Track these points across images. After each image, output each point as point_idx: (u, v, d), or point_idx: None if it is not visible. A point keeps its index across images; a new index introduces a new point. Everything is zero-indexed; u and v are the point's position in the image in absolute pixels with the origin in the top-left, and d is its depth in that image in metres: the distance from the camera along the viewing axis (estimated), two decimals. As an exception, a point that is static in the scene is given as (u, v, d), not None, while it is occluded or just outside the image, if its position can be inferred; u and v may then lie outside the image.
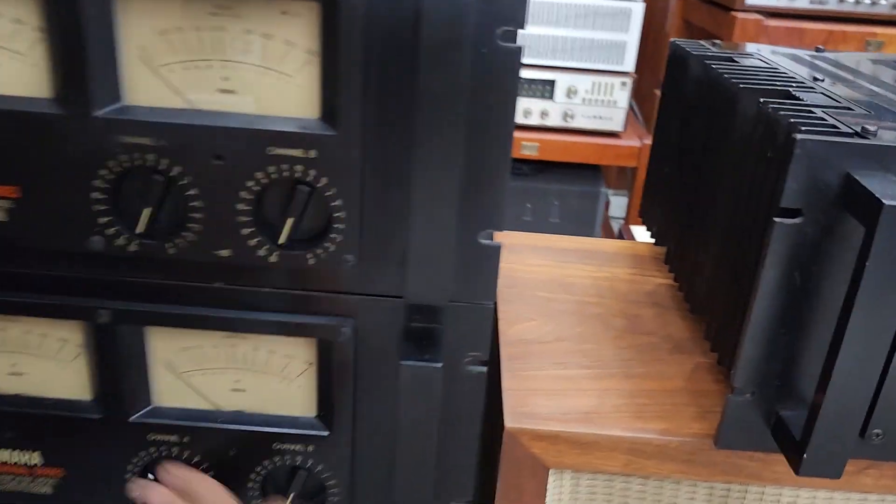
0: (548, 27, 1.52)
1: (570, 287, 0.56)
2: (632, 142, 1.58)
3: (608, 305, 0.54)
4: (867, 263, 0.30)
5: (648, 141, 1.63)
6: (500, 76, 0.33)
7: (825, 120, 0.36)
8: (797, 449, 0.35)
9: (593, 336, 0.50)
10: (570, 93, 1.52)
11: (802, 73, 0.49)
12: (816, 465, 0.34)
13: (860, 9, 1.49)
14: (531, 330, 0.50)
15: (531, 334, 0.49)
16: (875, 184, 0.31)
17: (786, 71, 0.49)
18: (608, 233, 1.92)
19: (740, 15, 1.47)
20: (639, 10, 1.51)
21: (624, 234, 1.23)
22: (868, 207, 0.30)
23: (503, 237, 0.37)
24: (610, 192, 1.89)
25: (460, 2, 0.29)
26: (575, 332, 0.50)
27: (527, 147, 1.56)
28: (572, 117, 1.53)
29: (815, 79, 0.47)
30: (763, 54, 0.54)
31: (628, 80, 1.53)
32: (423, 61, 0.31)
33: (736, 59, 0.52)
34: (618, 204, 2.07)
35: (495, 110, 0.33)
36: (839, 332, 0.32)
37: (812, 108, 0.38)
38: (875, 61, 0.58)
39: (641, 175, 1.66)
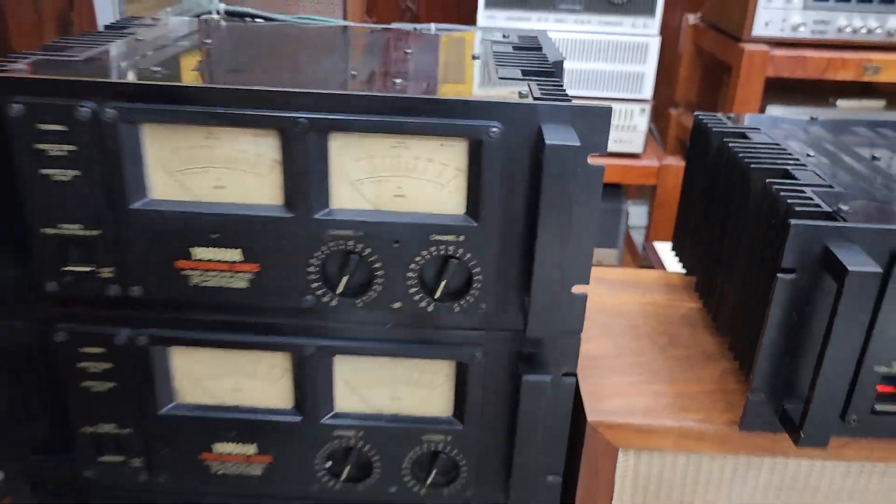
0: (577, 62, 1.68)
1: (622, 312, 0.72)
2: (651, 162, 1.74)
3: (653, 326, 0.70)
4: (839, 308, 0.46)
5: (666, 161, 1.79)
6: (591, 185, 0.49)
7: (812, 200, 0.52)
8: (796, 430, 0.51)
9: (644, 350, 0.66)
10: (595, 120, 1.68)
11: (796, 147, 0.65)
12: (810, 440, 0.50)
13: (857, 37, 1.64)
14: (598, 347, 0.66)
15: (598, 351, 0.65)
16: (844, 254, 0.47)
17: (785, 147, 0.64)
18: (630, 242, 2.07)
19: (748, 46, 1.63)
20: (655, 44, 1.66)
21: (647, 249, 1.38)
22: (839, 271, 0.46)
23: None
24: (629, 202, 2.04)
25: (571, 146, 0.45)
26: (630, 348, 0.66)
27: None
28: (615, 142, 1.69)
29: (808, 154, 0.63)
30: (765, 129, 0.70)
31: (647, 107, 1.69)
32: (545, 179, 0.46)
33: (748, 135, 0.68)
34: (637, 213, 2.22)
35: (585, 206, 0.49)
36: (822, 352, 0.48)
37: (804, 189, 0.54)
38: (858, 124, 0.74)
39: (659, 190, 1.82)
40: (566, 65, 1.67)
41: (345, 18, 1.64)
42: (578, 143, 0.46)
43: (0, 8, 0.89)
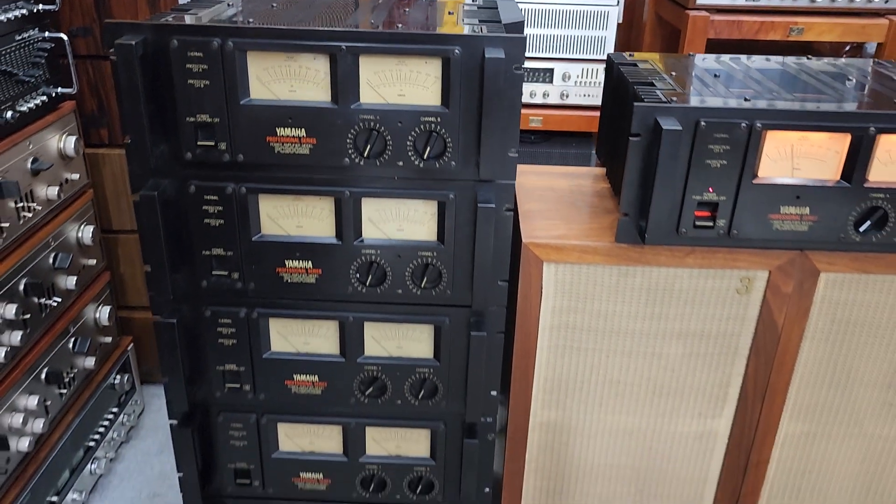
0: (547, 29, 1.99)
1: (555, 189, 1.05)
2: (614, 113, 2.06)
3: (575, 197, 1.03)
4: (660, 154, 0.79)
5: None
6: (514, 83, 0.81)
7: (655, 95, 0.85)
8: (644, 236, 0.84)
9: (565, 208, 0.99)
10: (565, 77, 2.00)
11: (675, 73, 0.97)
12: (652, 240, 0.83)
13: (785, 3, 1.94)
14: (534, 207, 0.99)
15: (534, 208, 0.98)
16: (664, 122, 0.79)
17: (659, 71, 0.97)
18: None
19: (692, 12, 1.94)
20: (614, 12, 1.98)
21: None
22: (659, 131, 0.79)
23: (523, 167, 0.86)
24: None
25: (499, 59, 0.78)
26: (555, 207, 0.99)
27: (533, 120, 2.04)
28: (567, 96, 2.01)
29: (672, 73, 0.95)
30: (699, 61, 1.02)
31: (609, 66, 2.00)
32: (486, 78, 0.79)
33: (638, 65, 1.00)
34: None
35: (512, 95, 0.82)
36: (658, 185, 0.81)
37: (655, 91, 0.87)
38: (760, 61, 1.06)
39: (625, 139, 2.13)
40: (538, 31, 2.00)
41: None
42: (503, 56, 0.78)
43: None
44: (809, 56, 1.09)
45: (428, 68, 0.82)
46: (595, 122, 2.06)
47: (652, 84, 0.91)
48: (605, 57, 2.00)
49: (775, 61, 1.06)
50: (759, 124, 0.81)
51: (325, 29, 0.81)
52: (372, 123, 0.83)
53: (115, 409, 1.36)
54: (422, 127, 0.83)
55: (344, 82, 0.82)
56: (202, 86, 0.82)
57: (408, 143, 0.84)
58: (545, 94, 2.04)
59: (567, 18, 1.99)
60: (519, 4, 1.95)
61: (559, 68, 2.01)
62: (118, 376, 1.36)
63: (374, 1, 1.06)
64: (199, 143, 0.84)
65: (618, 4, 1.99)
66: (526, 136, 2.13)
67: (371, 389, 0.98)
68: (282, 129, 0.84)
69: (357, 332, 0.95)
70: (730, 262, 0.90)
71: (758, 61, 1.06)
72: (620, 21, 2.33)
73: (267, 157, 0.85)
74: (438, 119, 0.83)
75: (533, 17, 1.99)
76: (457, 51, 0.80)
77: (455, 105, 0.82)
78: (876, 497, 1.05)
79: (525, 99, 2.07)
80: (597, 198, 1.03)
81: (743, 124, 0.81)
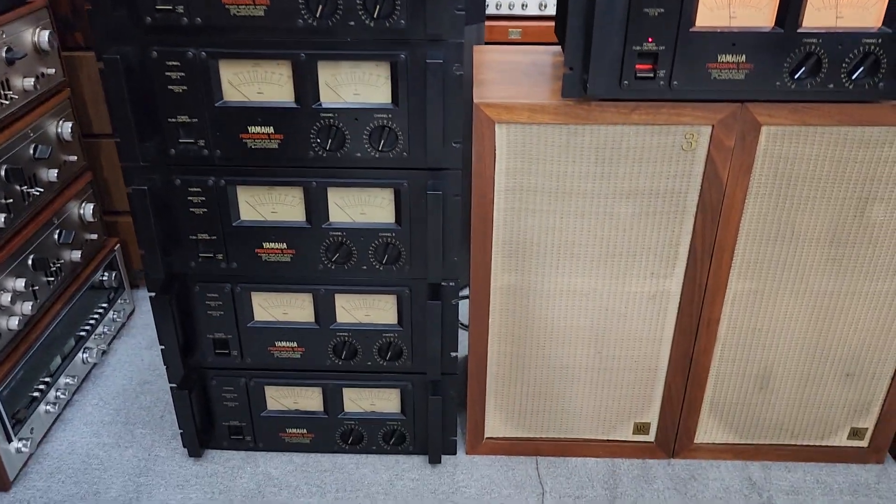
0: None
1: (514, 63, 1.08)
2: (593, 24, 2.07)
3: (529, 68, 1.06)
4: (597, 4, 0.82)
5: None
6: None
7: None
8: (587, 89, 0.87)
9: (518, 78, 1.02)
10: (543, -12, 2.00)
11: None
12: (594, 92, 0.87)
13: None
14: (491, 78, 1.02)
15: (490, 78, 1.02)
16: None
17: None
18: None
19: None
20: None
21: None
22: (595, -23, 0.82)
23: (488, 47, 0.89)
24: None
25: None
26: (510, 76, 1.02)
27: (512, 33, 2.05)
28: (546, 7, 2.02)
29: None
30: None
31: None
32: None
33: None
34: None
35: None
36: (596, 35, 0.84)
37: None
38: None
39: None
40: None
41: None
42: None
43: None
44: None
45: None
46: (573, 33, 2.07)
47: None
48: None
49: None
50: (694, -30, 0.83)
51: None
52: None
53: (104, 305, 1.42)
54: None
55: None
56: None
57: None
58: (523, 6, 2.05)
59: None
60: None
61: (536, -21, 2.01)
62: (105, 273, 1.41)
63: None
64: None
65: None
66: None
67: (337, 255, 1.03)
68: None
69: (321, 199, 1.00)
70: (674, 117, 0.93)
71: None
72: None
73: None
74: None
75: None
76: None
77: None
78: (825, 351, 1.10)
79: (504, 10, 2.08)
80: (552, 69, 1.06)
81: (679, -29, 0.83)
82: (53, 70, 1.25)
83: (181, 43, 0.91)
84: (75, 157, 1.33)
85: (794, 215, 1.00)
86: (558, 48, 1.15)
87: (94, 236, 1.39)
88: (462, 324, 1.37)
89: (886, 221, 1.00)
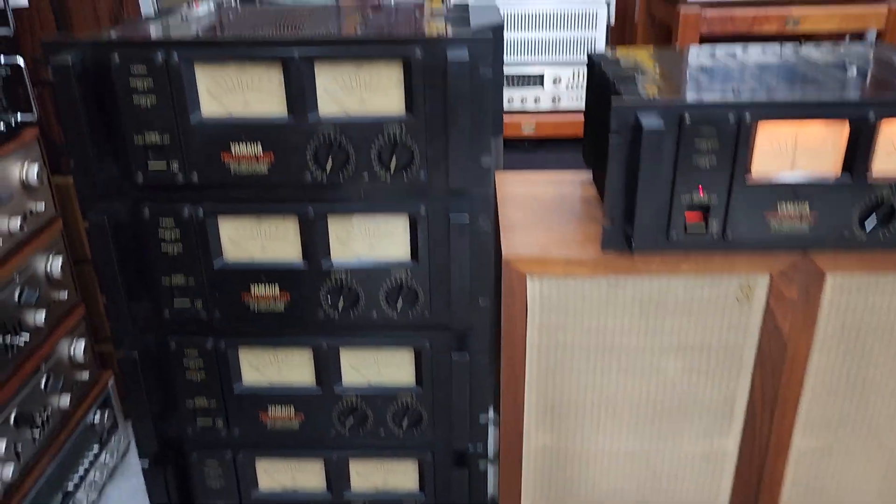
0: (535, 32, 1.94)
1: (539, 197, 0.98)
2: (609, 116, 1.99)
3: (558, 204, 0.96)
4: (642, 154, 0.72)
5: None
6: (483, 86, 0.75)
7: (636, 89, 0.78)
8: (631, 243, 0.77)
9: (548, 217, 0.92)
10: (556, 81, 1.94)
11: (688, 64, 0.91)
12: (640, 247, 0.76)
13: (780, -6, 1.88)
14: (517, 217, 0.92)
15: (516, 219, 0.92)
16: (644, 118, 0.73)
17: (641, 66, 0.91)
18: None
19: (682, 8, 1.88)
20: (603, 11, 1.92)
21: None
22: (640, 129, 0.72)
23: (504, 175, 0.79)
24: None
25: (464, 62, 0.72)
26: (538, 216, 0.93)
27: (526, 127, 1.98)
28: (559, 100, 1.95)
29: (656, 68, 0.89)
30: (687, 54, 0.96)
31: (601, 68, 1.94)
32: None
33: (621, 62, 0.94)
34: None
35: (480, 100, 0.76)
36: (641, 187, 0.74)
37: (635, 87, 0.80)
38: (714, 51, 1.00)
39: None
40: (525, 34, 1.94)
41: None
42: (468, 59, 0.72)
43: (66, 10, 1.18)
44: (801, 41, 1.02)
45: (389, 72, 0.76)
46: (589, 127, 1.99)
47: (633, 80, 0.84)
48: (596, 59, 1.94)
49: (769, 51, 1.00)
50: (748, 116, 0.74)
51: (276, 37, 0.75)
52: (332, 135, 0.77)
53: (95, 449, 1.31)
54: (386, 136, 0.77)
55: (299, 92, 0.76)
56: (149, 103, 0.76)
57: (372, 153, 0.78)
58: (536, 100, 1.98)
59: (555, 20, 1.93)
60: (504, 7, 1.89)
61: (549, 72, 1.96)
62: (98, 413, 1.30)
63: (353, 9, 1.00)
64: (149, 164, 0.79)
65: (607, 4, 1.93)
66: (520, 143, 2.07)
67: (351, 420, 0.92)
68: (236, 145, 0.78)
69: (333, 360, 0.89)
70: (727, 267, 0.83)
71: (750, 52, 0.99)
72: (612, 22, 2.26)
73: (223, 176, 0.80)
74: (403, 127, 0.77)
75: (519, 21, 1.93)
76: (417, 52, 0.74)
77: (420, 111, 0.76)
78: (901, 513, 0.98)
79: (517, 106, 2.01)
80: (583, 205, 0.97)
81: (731, 117, 0.74)
82: (43, 205, 1.17)
83: (176, 200, 0.81)
84: (66, 294, 1.23)
85: (865, 369, 0.89)
86: (583, 175, 1.06)
87: (86, 375, 1.28)
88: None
89: (970, 374, 0.88)
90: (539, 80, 1.95)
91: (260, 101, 0.77)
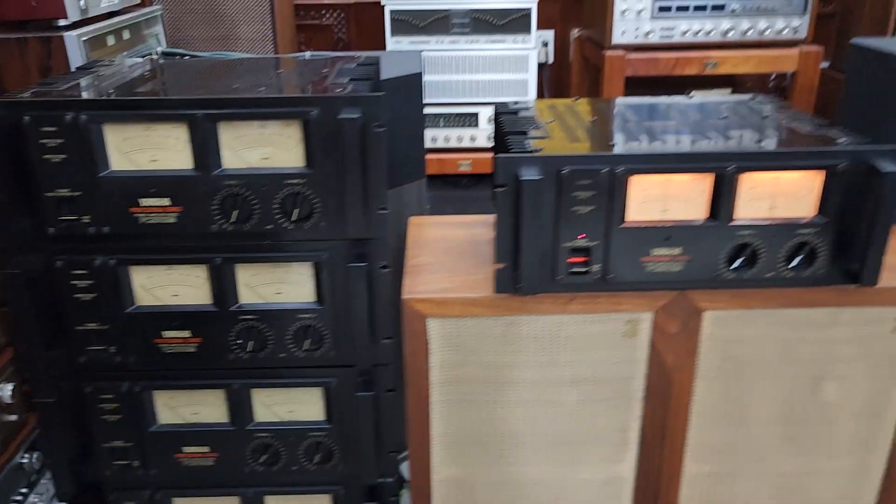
0: (471, 74, 2.02)
1: (448, 239, 1.04)
2: (542, 153, 2.08)
3: (465, 247, 1.02)
4: (523, 204, 0.79)
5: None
6: (377, 142, 0.81)
7: (523, 144, 0.85)
8: (518, 287, 0.83)
9: (452, 260, 0.98)
10: (491, 121, 2.02)
11: (579, 116, 0.98)
12: (526, 290, 0.82)
13: (699, 38, 1.99)
14: (422, 259, 0.98)
15: (421, 262, 0.97)
16: (525, 172, 0.79)
17: (535, 117, 0.97)
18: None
19: (608, 52, 1.98)
20: (534, 55, 2.01)
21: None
22: (520, 182, 0.79)
23: (426, 219, 0.85)
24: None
25: (354, 119, 0.78)
26: (442, 259, 0.98)
27: (462, 164, 2.05)
28: (493, 139, 2.03)
29: (549, 121, 0.96)
30: (584, 105, 1.03)
31: (533, 108, 2.02)
32: (346, 140, 0.79)
33: (519, 112, 1.01)
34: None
35: (375, 154, 0.82)
36: (524, 234, 0.80)
37: (524, 140, 0.87)
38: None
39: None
40: (461, 77, 2.03)
41: (276, 52, 1.96)
42: (358, 116, 0.78)
43: (-5, 61, 1.22)
44: (691, 93, 1.10)
45: (289, 130, 0.82)
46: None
47: (524, 133, 0.91)
48: (528, 98, 2.03)
49: (659, 104, 1.07)
50: (620, 169, 0.81)
51: (181, 98, 0.80)
52: (236, 188, 0.82)
53: (24, 491, 1.31)
54: (288, 189, 0.83)
55: (204, 149, 0.81)
56: (59, 160, 0.81)
57: (275, 205, 0.83)
58: (472, 138, 2.06)
59: (488, 63, 2.01)
60: (441, 52, 1.97)
61: (484, 112, 2.04)
62: (27, 455, 1.31)
63: (252, 63, 1.06)
64: (61, 217, 0.83)
65: (535, 48, 2.02)
66: (457, 181, 2.14)
67: (265, 456, 0.95)
68: (145, 199, 0.83)
69: (245, 399, 0.93)
70: (613, 305, 0.89)
71: (641, 104, 1.07)
72: (552, 61, 2.37)
73: (133, 227, 0.84)
74: (304, 180, 0.82)
75: (456, 64, 2.01)
76: (313, 113, 0.80)
77: (319, 166, 0.82)
78: (789, 533, 1.04)
79: (453, 144, 2.08)
80: (489, 247, 1.02)
81: (604, 170, 0.81)
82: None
83: (88, 251, 0.85)
84: (-7, 337, 1.25)
85: (746, 396, 0.95)
86: (485, 217, 1.12)
87: (14, 417, 1.30)
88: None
89: (841, 400, 0.95)
90: (474, 119, 2.03)
91: (167, 156, 0.82)
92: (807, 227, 0.84)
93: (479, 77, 2.01)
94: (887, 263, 0.92)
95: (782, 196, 0.83)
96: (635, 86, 2.10)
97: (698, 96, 1.12)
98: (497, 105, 1.07)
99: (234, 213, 0.83)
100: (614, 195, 0.82)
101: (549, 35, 2.45)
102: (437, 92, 2.03)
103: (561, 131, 0.93)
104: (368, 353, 0.90)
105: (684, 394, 0.95)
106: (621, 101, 1.08)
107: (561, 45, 2.50)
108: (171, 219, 0.83)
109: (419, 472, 0.99)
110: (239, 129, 0.81)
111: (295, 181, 0.82)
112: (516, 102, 1.08)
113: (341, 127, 0.78)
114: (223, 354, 0.90)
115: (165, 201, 0.83)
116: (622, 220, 0.84)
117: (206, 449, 0.95)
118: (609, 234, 0.84)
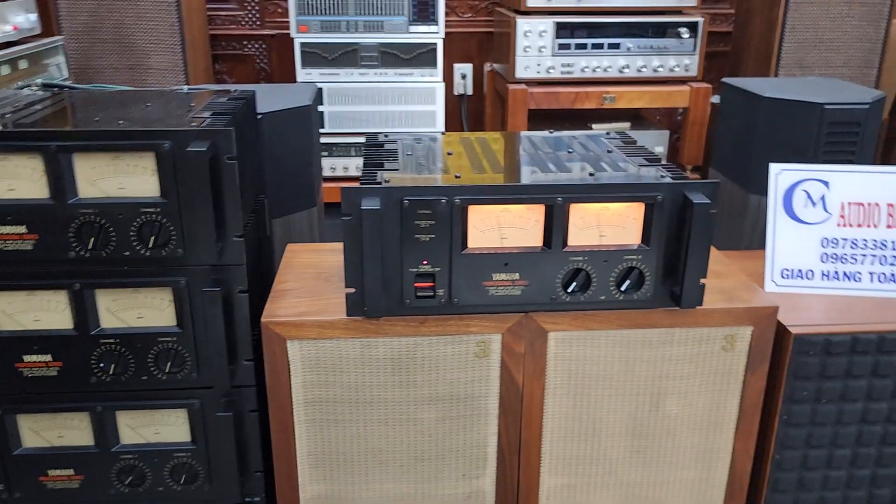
0: (381, 105, 2.08)
1: (318, 266, 1.09)
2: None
3: (336, 272, 1.07)
4: (364, 232, 0.84)
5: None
6: (229, 173, 0.86)
7: (376, 178, 0.90)
8: (365, 311, 0.88)
9: (317, 286, 1.03)
10: (400, 151, 2.09)
11: (439, 150, 1.04)
12: (371, 313, 0.87)
13: (597, 74, 2.10)
14: (289, 284, 1.02)
15: (288, 286, 1.02)
16: (365, 202, 0.85)
17: (396, 150, 1.03)
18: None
19: (511, 86, 2.07)
20: (441, 88, 2.09)
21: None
22: (362, 211, 0.84)
23: (302, 245, 0.89)
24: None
25: (201, 152, 0.82)
26: (309, 285, 1.03)
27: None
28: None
29: (409, 154, 1.02)
30: (451, 138, 1.09)
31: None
32: (195, 172, 0.83)
33: (385, 144, 1.07)
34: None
35: (230, 186, 0.86)
36: (367, 261, 0.85)
37: (377, 172, 0.92)
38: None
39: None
40: (371, 107, 2.08)
41: (187, 82, 2.00)
42: (205, 150, 0.83)
43: None
44: (552, 131, 1.18)
45: (143, 162, 0.86)
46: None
47: (381, 165, 0.97)
48: (437, 129, 2.10)
49: (530, 135, 1.14)
50: (458, 200, 0.87)
51: (36, 129, 0.84)
52: (92, 217, 0.86)
53: None
54: (144, 217, 0.86)
55: (59, 179, 0.84)
56: None
57: (132, 233, 0.87)
58: (382, 168, 2.11)
59: (397, 95, 2.08)
60: (352, 84, 2.03)
61: (393, 142, 2.09)
62: None
63: (133, 94, 1.10)
64: None
65: (440, 81, 2.10)
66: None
67: (130, 478, 0.97)
68: (1, 227, 0.86)
69: (109, 422, 0.95)
70: (463, 328, 0.95)
71: (508, 140, 1.14)
72: (471, 93, 2.45)
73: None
74: (159, 209, 0.86)
75: (365, 95, 2.08)
76: (166, 145, 0.84)
77: (173, 195, 0.86)
78: (643, 542, 1.10)
79: (364, 173, 2.14)
80: (354, 272, 1.07)
81: (443, 200, 0.87)
82: None
83: (-55, 278, 0.87)
84: None
85: (594, 412, 1.02)
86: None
87: None
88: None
89: (681, 414, 1.02)
90: (385, 148, 2.11)
91: (23, 186, 0.85)
92: (633, 254, 0.91)
93: (389, 108, 2.08)
94: (716, 286, 1.00)
95: (609, 226, 0.91)
96: (541, 118, 2.19)
97: (567, 131, 1.20)
98: (368, 136, 1.13)
99: (91, 241, 0.86)
100: (455, 224, 0.88)
101: (468, 68, 2.54)
102: (348, 122, 2.09)
103: (416, 163, 0.99)
104: (228, 374, 0.93)
105: (536, 410, 1.00)
106: (499, 135, 1.15)
107: (480, 77, 2.59)
108: (28, 246, 0.86)
109: (285, 491, 1.02)
110: (93, 161, 0.85)
111: (150, 210, 0.86)
112: (386, 135, 1.14)
113: (189, 159, 0.83)
114: (86, 378, 0.93)
115: (21, 229, 0.86)
116: (464, 246, 0.90)
117: (70, 472, 0.97)
118: (452, 260, 0.90)
